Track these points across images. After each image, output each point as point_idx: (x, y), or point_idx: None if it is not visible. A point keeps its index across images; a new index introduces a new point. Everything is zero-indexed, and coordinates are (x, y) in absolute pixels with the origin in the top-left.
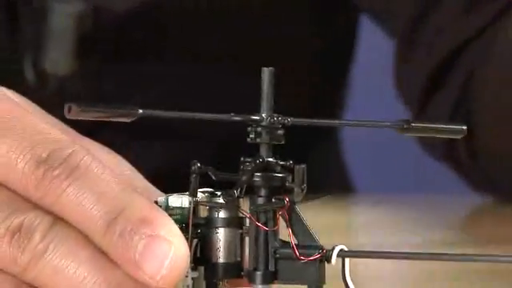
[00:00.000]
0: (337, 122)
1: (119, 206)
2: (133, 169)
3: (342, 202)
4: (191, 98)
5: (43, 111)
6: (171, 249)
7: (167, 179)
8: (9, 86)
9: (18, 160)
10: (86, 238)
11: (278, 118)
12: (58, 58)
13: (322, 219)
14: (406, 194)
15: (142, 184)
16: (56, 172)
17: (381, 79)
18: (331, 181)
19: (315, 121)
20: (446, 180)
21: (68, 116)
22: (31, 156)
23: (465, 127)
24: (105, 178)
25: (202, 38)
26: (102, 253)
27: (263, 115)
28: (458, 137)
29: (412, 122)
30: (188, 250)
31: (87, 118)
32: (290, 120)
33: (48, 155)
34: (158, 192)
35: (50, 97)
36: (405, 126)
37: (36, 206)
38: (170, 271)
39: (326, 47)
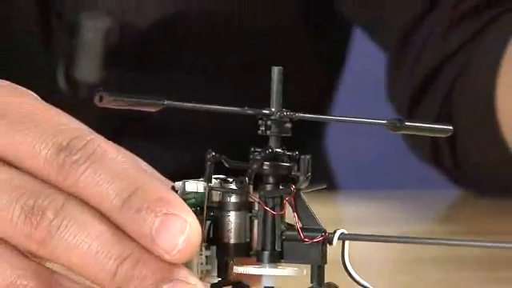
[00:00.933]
0: (335, 118)
1: (134, 185)
2: (146, 164)
3: (327, 198)
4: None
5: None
6: (186, 226)
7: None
8: (43, 93)
9: (41, 148)
10: (100, 216)
11: (286, 112)
12: (88, 68)
13: None
14: (389, 190)
15: (157, 175)
16: (75, 157)
17: (373, 86)
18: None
19: (319, 116)
20: (429, 176)
21: (99, 104)
22: (53, 144)
23: (451, 127)
24: (120, 160)
25: (216, 50)
26: (116, 228)
27: (273, 109)
28: (446, 135)
29: (405, 121)
30: (200, 227)
31: (117, 107)
32: (296, 115)
33: (68, 143)
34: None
35: (79, 102)
36: (397, 125)
37: (49, 187)
38: (185, 246)
39: (320, 59)
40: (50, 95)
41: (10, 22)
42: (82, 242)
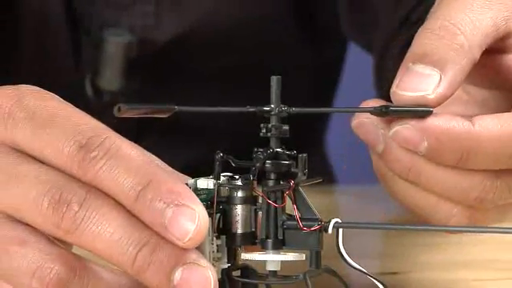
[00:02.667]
0: (328, 109)
1: (146, 178)
2: (161, 161)
3: (323, 191)
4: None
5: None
6: (196, 215)
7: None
8: (73, 99)
9: (64, 146)
10: (119, 206)
11: (284, 107)
12: (111, 78)
13: None
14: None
15: (169, 169)
16: (93, 154)
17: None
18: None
19: (312, 109)
20: None
21: (117, 115)
22: (74, 143)
23: (432, 109)
24: (133, 155)
25: (227, 61)
26: (134, 218)
27: (272, 106)
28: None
29: (390, 107)
30: (207, 215)
31: (134, 116)
32: (294, 109)
33: (87, 141)
34: (185, 177)
35: (104, 107)
36: (384, 110)
37: (73, 181)
38: (196, 234)
39: (319, 69)
40: (79, 101)
41: (44, 39)
42: (104, 231)
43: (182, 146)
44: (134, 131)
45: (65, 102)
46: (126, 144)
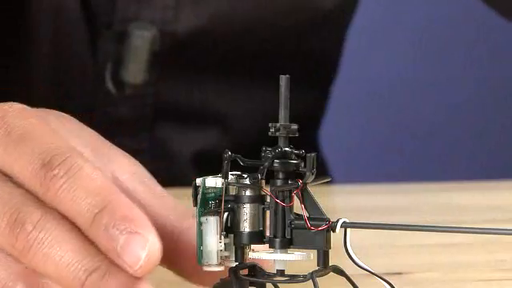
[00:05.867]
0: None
1: (104, 202)
2: (148, 175)
3: (322, 191)
4: (229, 103)
5: (67, 126)
6: (147, 244)
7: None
8: (92, 93)
9: (29, 163)
10: (74, 228)
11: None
12: (136, 71)
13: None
14: (397, 182)
15: (143, 188)
16: (54, 172)
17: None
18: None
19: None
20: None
21: None
22: (38, 160)
23: None
24: (94, 177)
25: (244, 55)
26: (87, 241)
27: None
28: None
29: None
30: (160, 244)
31: None
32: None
33: (50, 159)
34: (169, 198)
35: (125, 99)
36: None
37: (32, 201)
38: (146, 262)
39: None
40: (98, 93)
41: (60, 33)
42: (55, 254)
43: (197, 133)
44: (149, 119)
45: (49, 121)
46: (88, 165)
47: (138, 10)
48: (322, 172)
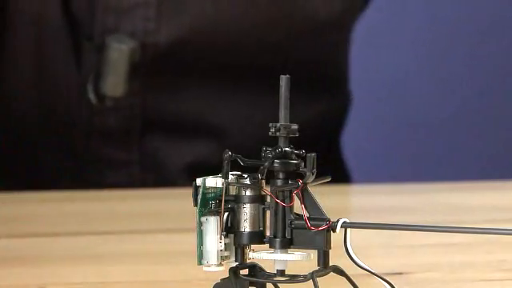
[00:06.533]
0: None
1: None
2: None
3: (337, 190)
4: (220, 110)
5: None
6: None
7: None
8: (75, 105)
9: None
10: None
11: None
12: (114, 84)
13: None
14: (399, 182)
15: None
16: None
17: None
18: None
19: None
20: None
21: None
22: None
23: None
24: None
25: (228, 65)
26: None
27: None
28: None
29: None
30: None
31: None
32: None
33: None
34: None
35: (106, 111)
36: None
37: None
38: None
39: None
40: (80, 106)
41: (45, 45)
42: None
43: (186, 144)
44: (138, 129)
45: None
46: None
47: (118, 22)
48: (343, 176)
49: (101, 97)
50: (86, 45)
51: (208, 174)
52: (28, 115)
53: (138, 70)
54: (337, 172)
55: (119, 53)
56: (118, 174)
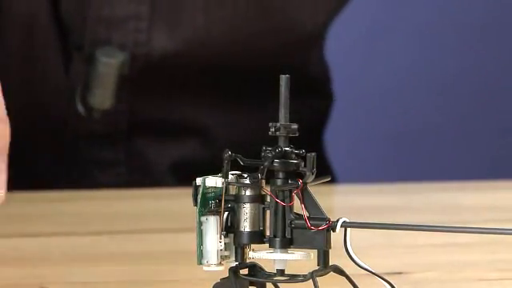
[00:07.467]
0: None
1: None
2: None
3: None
4: (207, 115)
5: None
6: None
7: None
8: (64, 116)
9: None
10: None
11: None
12: (102, 97)
13: None
14: (399, 183)
15: None
16: None
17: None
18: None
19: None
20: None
21: None
22: None
23: None
24: None
25: (219, 78)
26: None
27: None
28: None
29: None
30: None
31: None
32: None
33: None
34: None
35: (94, 123)
36: None
37: None
38: None
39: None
40: (70, 117)
41: (35, 55)
42: None
43: (173, 146)
44: (125, 132)
45: None
46: None
47: (109, 33)
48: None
49: (88, 109)
50: (75, 55)
51: (194, 174)
52: (17, 117)
53: (126, 82)
54: (323, 171)
55: (108, 67)
56: (106, 174)
